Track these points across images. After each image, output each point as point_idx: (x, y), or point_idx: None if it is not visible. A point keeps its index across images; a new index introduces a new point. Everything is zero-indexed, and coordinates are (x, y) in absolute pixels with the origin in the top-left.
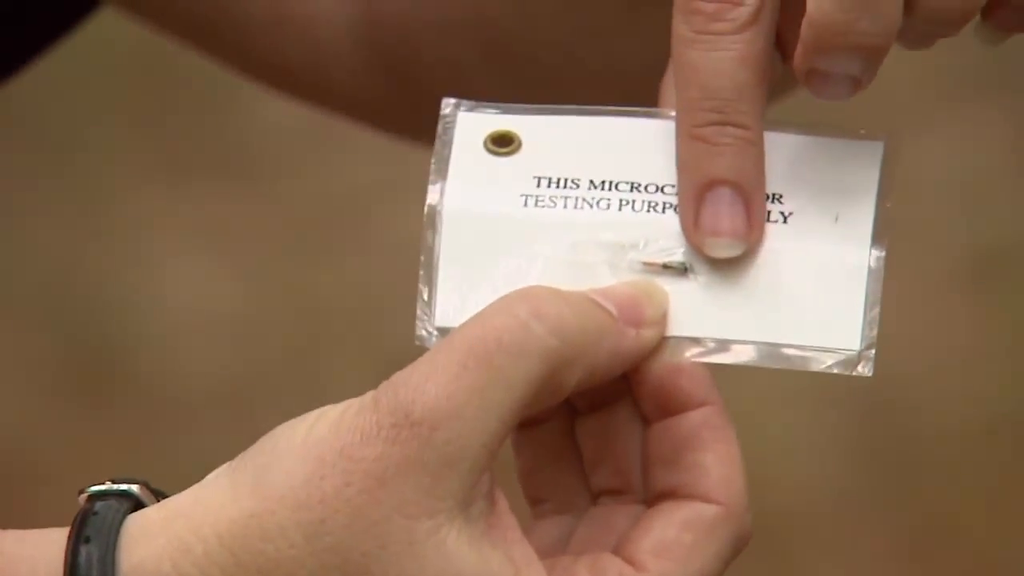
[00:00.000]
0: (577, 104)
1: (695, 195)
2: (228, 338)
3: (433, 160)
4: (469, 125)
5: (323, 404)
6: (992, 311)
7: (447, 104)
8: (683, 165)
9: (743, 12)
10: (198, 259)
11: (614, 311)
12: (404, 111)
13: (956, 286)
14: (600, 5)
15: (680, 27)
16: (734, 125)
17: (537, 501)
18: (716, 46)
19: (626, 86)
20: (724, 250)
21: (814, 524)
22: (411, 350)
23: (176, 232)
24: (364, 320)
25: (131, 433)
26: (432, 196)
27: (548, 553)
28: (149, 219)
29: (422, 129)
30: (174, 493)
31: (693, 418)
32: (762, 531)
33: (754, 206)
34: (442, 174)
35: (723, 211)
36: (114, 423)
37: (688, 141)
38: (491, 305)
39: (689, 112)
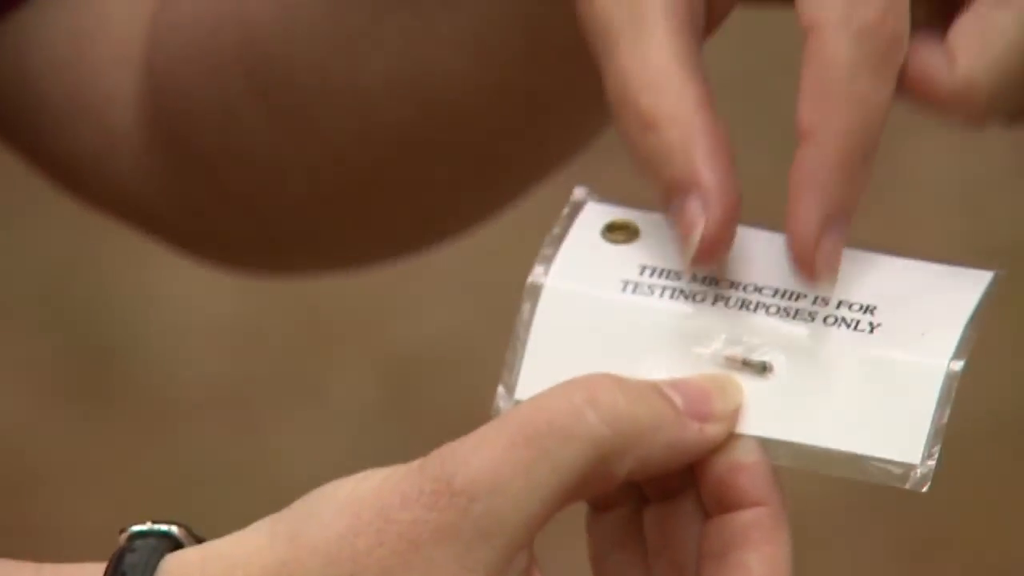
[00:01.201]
0: None
1: (831, 223)
2: (228, 340)
3: (547, 239)
4: (594, 213)
5: (323, 406)
6: (997, 312)
7: (580, 191)
8: (820, 188)
9: (901, 53)
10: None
11: (680, 403)
12: (189, 213)
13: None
14: (345, 14)
15: (850, 50)
16: (866, 165)
17: None
18: (886, 82)
19: (368, 108)
20: (828, 284)
21: (813, 524)
22: (412, 355)
23: None
24: (365, 322)
25: (130, 435)
26: (537, 272)
27: None
28: None
29: (207, 239)
30: (177, 501)
31: (745, 517)
32: None
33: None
34: (552, 253)
35: (839, 244)
36: (113, 425)
37: (837, 167)
38: (551, 388)
39: (843, 137)
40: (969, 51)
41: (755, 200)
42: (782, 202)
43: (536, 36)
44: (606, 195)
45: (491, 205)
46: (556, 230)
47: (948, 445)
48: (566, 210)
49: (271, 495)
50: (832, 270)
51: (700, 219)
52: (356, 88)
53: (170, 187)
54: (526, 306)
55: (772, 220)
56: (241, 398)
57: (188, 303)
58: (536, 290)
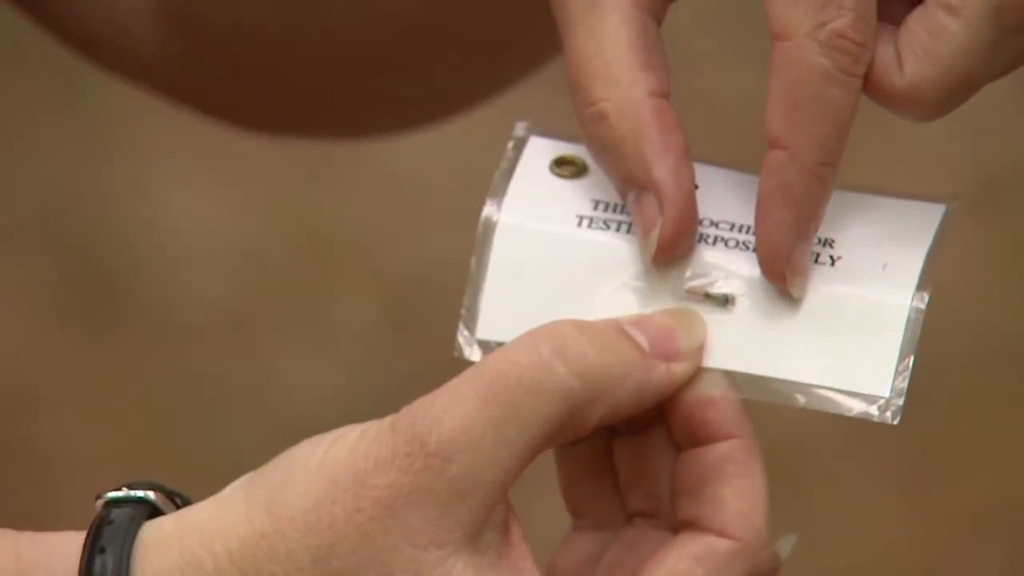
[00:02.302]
0: None
1: (802, 232)
2: (230, 264)
3: (496, 176)
4: (538, 148)
5: (326, 331)
6: (996, 238)
7: (521, 126)
8: (793, 199)
9: (868, 58)
10: (201, 184)
11: (645, 344)
12: (199, 80)
13: (960, 215)
14: None
15: (820, 59)
16: (836, 170)
17: (577, 515)
18: (855, 89)
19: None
20: (801, 289)
21: (814, 454)
22: (413, 278)
23: (179, 157)
24: (367, 246)
25: (131, 359)
26: (489, 208)
27: (578, 570)
28: (152, 144)
29: (217, 104)
30: (178, 425)
31: (718, 450)
32: (763, 461)
33: None
34: (502, 189)
35: (808, 252)
36: (115, 349)
37: (809, 177)
38: (517, 339)
39: (817, 150)
40: (917, 56)
41: (740, 116)
42: (762, 116)
43: None
44: (548, 129)
45: (499, 83)
46: (503, 165)
47: (952, 373)
48: (510, 144)
49: (273, 418)
50: (803, 277)
51: (656, 218)
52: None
53: (182, 60)
54: (481, 242)
55: (755, 133)
56: (242, 321)
57: (189, 226)
58: (490, 226)
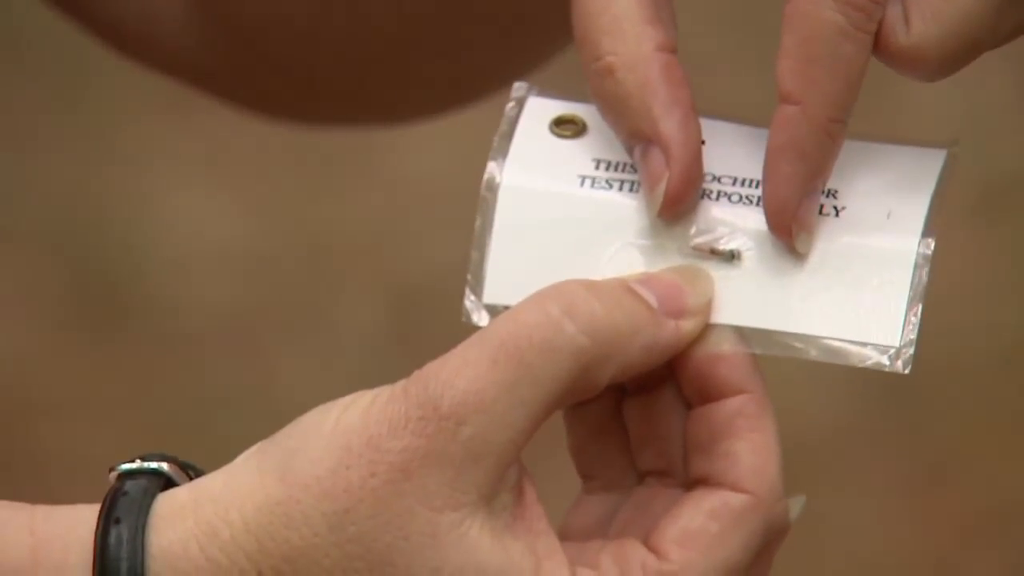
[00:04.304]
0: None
1: (810, 187)
2: (234, 269)
3: (496, 138)
4: (537, 108)
5: (330, 335)
6: (1002, 242)
7: (519, 87)
8: (803, 153)
9: (880, 15)
10: (204, 189)
11: (653, 301)
12: (230, 71)
13: (965, 218)
14: None
15: (835, 15)
16: (845, 126)
17: (587, 476)
18: (867, 46)
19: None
20: (806, 244)
21: (819, 456)
22: (416, 281)
23: (182, 162)
24: (370, 250)
25: (135, 363)
26: (491, 170)
27: (590, 530)
28: (155, 149)
29: (249, 94)
30: (183, 429)
31: (729, 406)
32: None
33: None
34: (503, 151)
35: (815, 207)
36: (118, 353)
37: (820, 132)
38: (525, 300)
39: (829, 105)
40: (923, 16)
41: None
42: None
43: None
44: (546, 88)
45: (521, 65)
46: (503, 126)
47: (957, 377)
48: (509, 104)
49: (276, 422)
50: (809, 231)
51: (663, 172)
52: None
53: (214, 51)
54: (484, 204)
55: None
56: (245, 325)
57: (191, 230)
58: (493, 187)
